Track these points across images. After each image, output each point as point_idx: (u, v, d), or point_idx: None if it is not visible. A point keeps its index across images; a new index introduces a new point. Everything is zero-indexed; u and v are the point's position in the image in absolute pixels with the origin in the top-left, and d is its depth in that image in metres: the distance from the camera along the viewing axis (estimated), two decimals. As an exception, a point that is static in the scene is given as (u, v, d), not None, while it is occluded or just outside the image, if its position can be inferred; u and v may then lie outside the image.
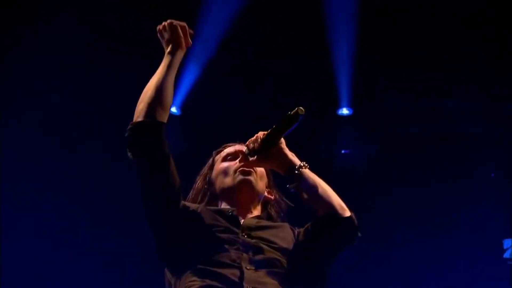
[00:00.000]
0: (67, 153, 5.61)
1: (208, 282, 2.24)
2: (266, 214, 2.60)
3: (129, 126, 2.35)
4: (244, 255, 2.31)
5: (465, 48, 5.15)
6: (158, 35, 2.53)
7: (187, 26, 2.51)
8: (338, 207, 2.32)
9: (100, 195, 5.62)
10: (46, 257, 5.56)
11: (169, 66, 2.45)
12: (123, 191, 5.23)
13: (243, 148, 2.55)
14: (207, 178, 2.63)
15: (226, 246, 2.33)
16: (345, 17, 4.98)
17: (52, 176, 5.60)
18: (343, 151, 5.64)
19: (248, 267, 2.27)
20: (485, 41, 5.05)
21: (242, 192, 2.52)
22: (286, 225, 2.54)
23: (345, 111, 5.52)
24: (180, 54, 2.50)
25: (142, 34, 4.98)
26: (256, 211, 2.57)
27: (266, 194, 2.62)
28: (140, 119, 2.33)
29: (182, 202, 2.44)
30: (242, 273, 2.25)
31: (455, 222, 5.69)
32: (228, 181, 2.54)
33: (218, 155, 2.68)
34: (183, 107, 5.61)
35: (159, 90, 2.38)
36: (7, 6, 4.98)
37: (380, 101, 5.61)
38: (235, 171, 2.52)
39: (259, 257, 2.32)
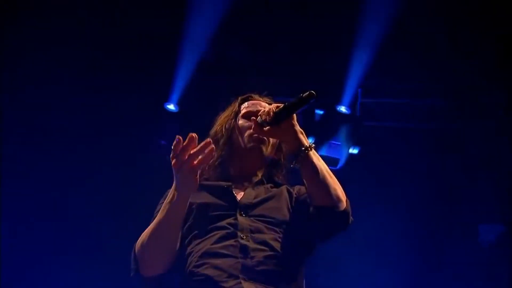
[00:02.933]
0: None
1: (207, 275, 2.32)
2: (267, 175, 2.69)
3: (133, 270, 2.39)
4: (241, 242, 2.36)
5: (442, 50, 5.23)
6: (172, 155, 2.27)
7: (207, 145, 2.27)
8: (335, 199, 2.36)
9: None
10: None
11: (177, 208, 2.33)
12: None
13: (265, 106, 2.65)
14: (231, 125, 2.70)
15: (224, 233, 2.40)
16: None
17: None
18: (332, 142, 5.75)
19: (244, 256, 2.33)
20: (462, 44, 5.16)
21: (251, 157, 2.64)
22: (284, 189, 2.62)
23: (343, 109, 5.61)
24: (190, 193, 2.33)
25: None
26: (260, 172, 2.68)
27: (272, 156, 2.70)
28: (144, 273, 2.37)
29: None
30: (238, 263, 2.32)
31: (434, 210, 5.81)
32: (242, 141, 2.63)
33: (243, 105, 2.75)
34: (180, 104, 5.62)
35: (165, 240, 2.35)
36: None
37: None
38: (250, 135, 2.60)
39: (255, 240, 2.38)
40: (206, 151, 2.24)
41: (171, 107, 5.60)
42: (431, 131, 5.73)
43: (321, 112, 5.63)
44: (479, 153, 5.62)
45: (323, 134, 5.67)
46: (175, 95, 5.54)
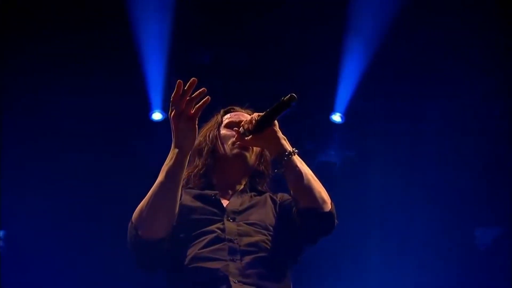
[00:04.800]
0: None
1: (197, 279, 2.34)
2: (249, 185, 2.72)
3: (132, 238, 2.36)
4: (230, 244, 2.40)
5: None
6: (170, 110, 2.37)
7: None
8: (319, 201, 2.39)
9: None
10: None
11: (178, 166, 2.36)
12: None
13: (247, 116, 2.67)
14: (214, 135, 2.72)
15: (212, 237, 2.42)
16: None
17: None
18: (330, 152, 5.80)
19: (233, 258, 2.36)
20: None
21: (235, 164, 2.66)
22: (267, 196, 2.67)
23: (337, 118, 5.59)
24: (190, 146, 2.39)
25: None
26: (244, 181, 2.71)
27: (256, 166, 2.73)
28: (143, 236, 2.34)
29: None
30: (227, 266, 2.34)
31: (429, 212, 5.77)
32: (225, 149, 2.67)
33: (226, 117, 2.79)
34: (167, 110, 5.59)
35: (166, 202, 2.35)
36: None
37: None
38: (233, 143, 2.64)
39: (244, 243, 2.41)
40: (202, 100, 2.33)
41: (157, 116, 5.51)
42: (428, 134, 5.73)
43: (316, 119, 5.64)
44: (476, 155, 5.62)
45: (319, 141, 5.70)
46: (159, 102, 5.50)
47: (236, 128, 2.58)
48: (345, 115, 5.59)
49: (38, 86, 5.43)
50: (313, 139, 5.60)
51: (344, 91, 5.43)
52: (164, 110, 5.58)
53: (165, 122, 5.56)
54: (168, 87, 5.43)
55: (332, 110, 5.58)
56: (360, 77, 5.33)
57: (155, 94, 5.46)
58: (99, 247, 5.60)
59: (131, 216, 2.41)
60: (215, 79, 5.31)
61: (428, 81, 5.48)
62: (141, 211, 2.36)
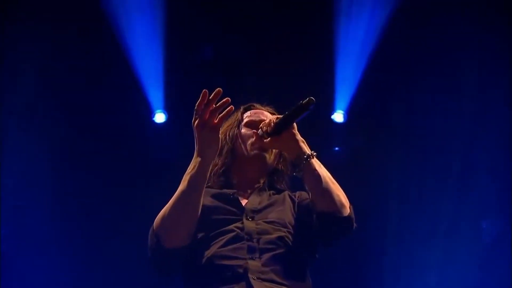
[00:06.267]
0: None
1: (217, 277, 2.34)
2: (268, 182, 2.72)
3: (153, 245, 2.36)
4: (249, 243, 2.39)
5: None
6: (194, 118, 2.39)
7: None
8: (338, 205, 2.39)
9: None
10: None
11: (200, 175, 2.38)
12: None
13: (267, 115, 2.72)
14: (234, 134, 2.73)
15: (231, 236, 2.41)
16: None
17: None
18: (336, 148, 5.87)
19: (252, 257, 2.36)
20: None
21: (254, 164, 2.67)
22: (286, 194, 2.67)
23: (339, 117, 5.60)
24: (213, 155, 2.42)
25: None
26: (262, 180, 2.71)
27: (274, 166, 2.74)
28: (165, 244, 2.35)
29: None
30: (246, 263, 2.34)
31: (436, 206, 5.74)
32: (244, 149, 2.67)
33: (245, 115, 2.79)
34: (170, 111, 5.55)
35: (188, 211, 2.37)
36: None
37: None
38: (252, 144, 2.64)
39: (262, 241, 2.41)
40: (226, 110, 2.35)
41: (159, 117, 5.47)
42: (433, 128, 5.69)
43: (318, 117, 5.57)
44: (481, 148, 5.58)
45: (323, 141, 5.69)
46: (161, 103, 5.45)
47: (255, 131, 2.59)
48: (347, 113, 5.59)
49: (37, 86, 5.39)
50: (316, 138, 5.56)
51: (345, 89, 5.44)
52: (166, 110, 5.56)
53: (168, 122, 5.60)
54: (169, 86, 5.43)
55: (333, 109, 5.59)
56: (362, 73, 5.34)
57: (156, 94, 5.44)
58: (99, 247, 5.57)
59: (147, 221, 2.43)
60: (215, 76, 5.33)
61: (432, 75, 5.46)
62: (163, 220, 2.37)
